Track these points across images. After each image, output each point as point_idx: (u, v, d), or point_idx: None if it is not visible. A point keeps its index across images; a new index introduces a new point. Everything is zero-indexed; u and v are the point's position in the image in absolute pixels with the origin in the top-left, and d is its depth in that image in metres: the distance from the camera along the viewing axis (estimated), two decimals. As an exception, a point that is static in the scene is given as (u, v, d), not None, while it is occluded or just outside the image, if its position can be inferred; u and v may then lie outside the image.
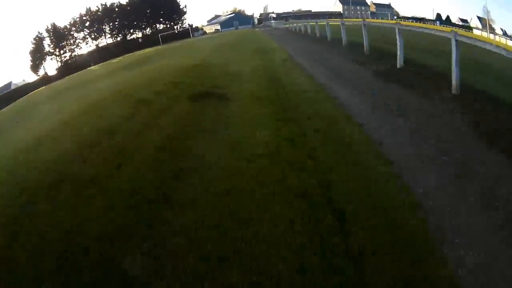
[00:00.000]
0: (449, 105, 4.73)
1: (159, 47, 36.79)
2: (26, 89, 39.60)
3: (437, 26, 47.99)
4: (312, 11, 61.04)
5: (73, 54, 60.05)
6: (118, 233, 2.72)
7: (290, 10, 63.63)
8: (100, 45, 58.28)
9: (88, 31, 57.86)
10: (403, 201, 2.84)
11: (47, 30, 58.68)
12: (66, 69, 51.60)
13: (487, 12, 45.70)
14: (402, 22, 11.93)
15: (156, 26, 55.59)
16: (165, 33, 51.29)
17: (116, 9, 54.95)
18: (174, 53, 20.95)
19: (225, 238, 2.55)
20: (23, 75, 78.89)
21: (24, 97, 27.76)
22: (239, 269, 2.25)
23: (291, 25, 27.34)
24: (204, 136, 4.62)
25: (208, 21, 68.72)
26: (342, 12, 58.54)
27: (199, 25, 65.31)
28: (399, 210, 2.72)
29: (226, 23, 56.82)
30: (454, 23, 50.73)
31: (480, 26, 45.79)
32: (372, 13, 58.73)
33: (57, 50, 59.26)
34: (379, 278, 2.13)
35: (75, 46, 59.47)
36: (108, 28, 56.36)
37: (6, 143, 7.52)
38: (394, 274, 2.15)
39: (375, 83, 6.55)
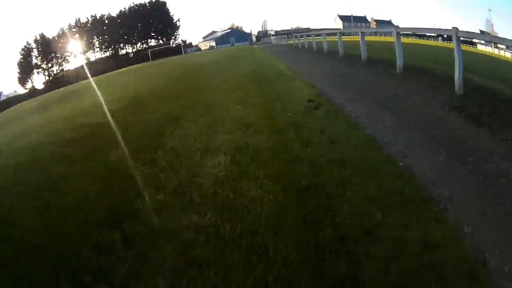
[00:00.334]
0: None
1: (143, 64, 33.51)
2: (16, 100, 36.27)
3: (439, 42, 45.74)
4: (311, 28, 59.05)
5: (60, 68, 56.91)
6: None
7: (289, 28, 61.36)
8: (90, 60, 55.20)
9: (77, 44, 54.91)
10: None
11: (35, 41, 55.75)
12: (55, 83, 48.17)
13: (491, 26, 43.80)
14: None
15: (147, 40, 52.45)
16: (156, 48, 48.15)
17: (106, 21, 51.98)
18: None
19: None
20: (14, 86, 75.14)
21: None
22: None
23: (298, 40, 22.92)
24: None
25: (203, 37, 66.29)
26: (342, 29, 56.45)
27: (196, 42, 62.83)
28: None
29: (222, 39, 53.88)
30: (457, 39, 48.88)
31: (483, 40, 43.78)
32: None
33: (45, 63, 56.17)
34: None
35: (62, 60, 56.41)
36: (98, 42, 53.25)
37: None
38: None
39: None
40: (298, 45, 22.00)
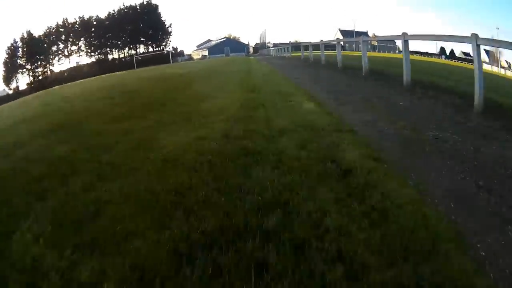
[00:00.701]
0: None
1: (124, 72, 29.67)
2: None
3: (443, 60, 43.87)
4: (312, 42, 56.56)
5: (45, 69, 53.32)
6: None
7: (287, 42, 58.64)
8: (75, 64, 51.73)
9: (63, 45, 51.44)
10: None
11: (22, 39, 52.31)
12: (40, 85, 44.55)
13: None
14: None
15: (136, 46, 48.82)
16: (142, 55, 44.61)
17: (94, 23, 48.52)
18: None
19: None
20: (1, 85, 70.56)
21: None
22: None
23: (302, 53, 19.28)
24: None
25: (197, 46, 63.30)
26: (343, 44, 53.94)
27: (191, 50, 59.82)
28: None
29: (216, 49, 50.60)
30: (459, 57, 47.12)
31: (487, 59, 41.87)
32: (373, 46, 54.45)
33: (29, 64, 52.66)
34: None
35: (46, 62, 52.84)
36: (84, 45, 49.72)
37: None
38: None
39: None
40: (306, 58, 18.29)
